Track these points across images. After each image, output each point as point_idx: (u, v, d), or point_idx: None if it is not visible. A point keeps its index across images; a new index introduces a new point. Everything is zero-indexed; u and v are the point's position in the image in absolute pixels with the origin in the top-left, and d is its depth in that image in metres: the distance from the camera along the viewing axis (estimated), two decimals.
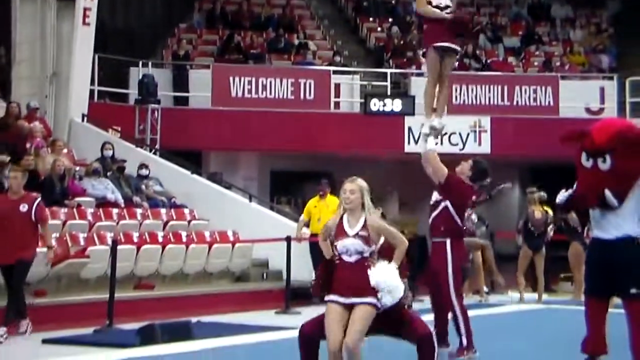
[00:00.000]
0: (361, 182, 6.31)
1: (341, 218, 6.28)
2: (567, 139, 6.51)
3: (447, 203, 8.50)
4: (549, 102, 20.18)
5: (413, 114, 19.30)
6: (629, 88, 20.29)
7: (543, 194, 16.03)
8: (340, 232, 6.20)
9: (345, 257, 6.15)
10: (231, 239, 14.62)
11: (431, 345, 6.21)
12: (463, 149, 18.88)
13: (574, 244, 14.61)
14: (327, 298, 6.18)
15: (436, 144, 8.60)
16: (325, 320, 6.08)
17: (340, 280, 6.14)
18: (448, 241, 8.42)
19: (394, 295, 6.10)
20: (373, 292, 6.07)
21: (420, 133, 8.65)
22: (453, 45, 8.56)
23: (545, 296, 15.58)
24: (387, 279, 6.06)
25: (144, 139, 17.78)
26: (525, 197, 16.99)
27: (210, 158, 20.45)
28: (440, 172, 8.41)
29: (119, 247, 11.71)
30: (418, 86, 20.21)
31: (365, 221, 6.20)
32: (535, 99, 20.20)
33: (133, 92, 18.44)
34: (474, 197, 9.52)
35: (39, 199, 10.59)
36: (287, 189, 21.54)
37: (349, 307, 6.07)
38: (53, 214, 12.78)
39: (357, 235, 6.14)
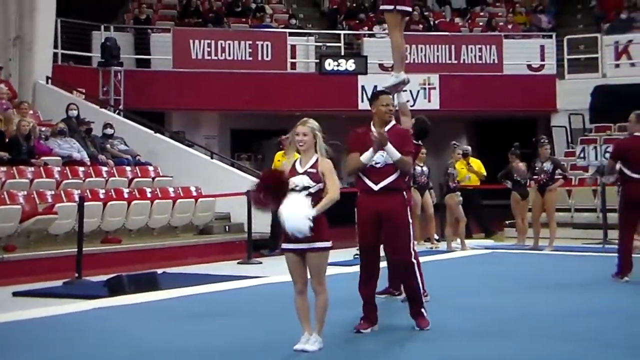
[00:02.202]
0: (312, 123, 6.17)
1: (295, 160, 6.20)
2: None
3: None
4: (494, 60, 20.22)
5: (366, 73, 19.31)
6: (566, 46, 20.37)
7: (467, 147, 16.16)
8: (292, 171, 6.12)
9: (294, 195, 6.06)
10: (194, 194, 14.52)
11: None
12: (413, 105, 18.73)
13: (514, 193, 14.70)
14: (282, 246, 6.17)
15: (399, 97, 8.56)
16: (288, 268, 6.16)
17: None
18: None
19: (300, 227, 5.90)
20: (323, 234, 6.02)
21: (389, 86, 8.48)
22: (410, 9, 8.65)
23: (491, 241, 15.75)
24: (294, 209, 5.91)
25: (108, 100, 17.52)
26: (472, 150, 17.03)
27: (173, 118, 20.27)
28: (405, 125, 8.34)
29: (85, 203, 11.51)
30: (370, 47, 20.27)
31: (316, 160, 6.11)
32: (480, 57, 20.22)
33: (96, 55, 18.11)
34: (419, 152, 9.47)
35: None
36: (246, 146, 21.43)
37: (303, 252, 6.07)
38: (20, 172, 12.56)
39: (305, 172, 6.07)
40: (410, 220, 7.00)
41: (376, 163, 6.83)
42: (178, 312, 8.23)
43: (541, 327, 7.16)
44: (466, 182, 16.07)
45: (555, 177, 13.75)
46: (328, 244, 6.08)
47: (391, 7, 8.42)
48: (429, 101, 19.27)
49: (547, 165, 13.71)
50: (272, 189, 5.99)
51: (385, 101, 7.05)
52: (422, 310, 7.06)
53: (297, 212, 5.90)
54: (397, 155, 6.78)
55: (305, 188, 6.01)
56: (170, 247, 13.25)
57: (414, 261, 7.12)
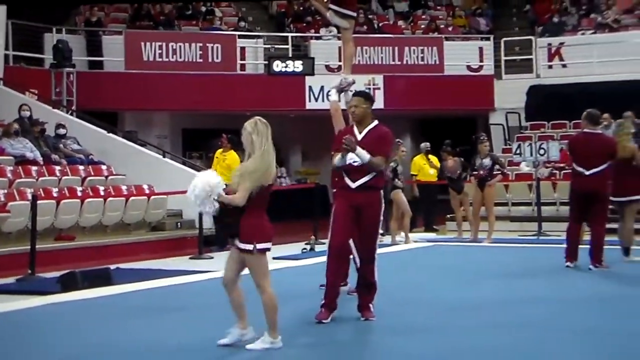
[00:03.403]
0: (250, 125, 5.93)
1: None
2: None
3: None
4: (435, 61, 20.31)
5: (313, 74, 19.27)
6: (503, 47, 20.55)
7: (427, 144, 16.32)
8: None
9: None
10: (147, 192, 14.34)
11: None
12: None
13: (451, 189, 14.81)
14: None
15: (346, 97, 8.57)
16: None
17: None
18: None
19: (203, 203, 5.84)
20: (245, 235, 5.83)
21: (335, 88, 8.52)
22: (354, 13, 8.72)
23: (433, 235, 15.85)
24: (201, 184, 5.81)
25: (61, 101, 17.19)
26: (416, 147, 17.16)
27: (125, 118, 20.00)
28: (337, 124, 8.35)
29: (39, 201, 11.31)
30: (317, 48, 20.24)
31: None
32: (422, 59, 20.30)
33: (48, 57, 17.76)
34: None
35: None
36: (197, 145, 21.25)
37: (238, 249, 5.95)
38: None
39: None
40: (381, 218, 7.11)
41: (354, 162, 6.88)
42: (131, 307, 8.12)
43: (484, 317, 7.18)
44: (428, 177, 16.18)
45: (494, 172, 13.88)
46: (249, 246, 5.82)
47: (354, 13, 8.58)
48: (374, 101, 19.27)
49: (486, 162, 13.84)
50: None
51: (352, 102, 7.20)
52: (371, 304, 7.11)
53: (202, 180, 5.79)
54: (366, 158, 6.80)
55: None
56: (124, 243, 13.10)
57: (376, 257, 7.14)
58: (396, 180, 13.91)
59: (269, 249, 5.92)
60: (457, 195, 14.72)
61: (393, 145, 7.20)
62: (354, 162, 6.87)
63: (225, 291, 5.97)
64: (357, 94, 7.35)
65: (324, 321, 6.85)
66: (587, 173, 10.01)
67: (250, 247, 5.82)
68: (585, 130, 10.46)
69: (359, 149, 6.79)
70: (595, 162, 9.97)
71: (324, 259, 7.18)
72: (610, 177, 10.16)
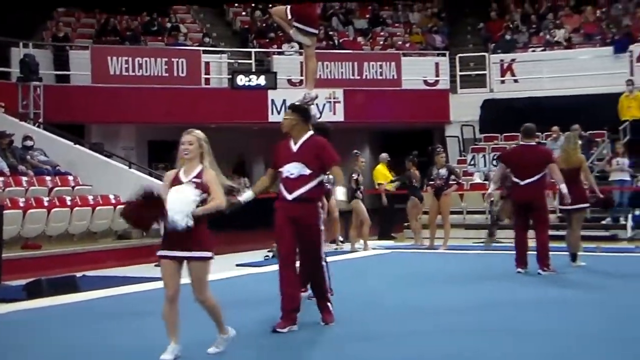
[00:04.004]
0: (198, 133, 5.80)
1: (179, 170, 5.78)
2: None
3: None
4: (393, 76, 20.47)
5: (275, 88, 19.35)
6: (458, 63, 20.79)
7: (385, 155, 16.44)
8: (176, 181, 5.71)
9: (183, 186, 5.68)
10: (113, 201, 14.26)
11: None
12: (320, 117, 18.81)
13: (412, 197, 14.92)
14: (159, 253, 5.74)
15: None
16: (162, 274, 5.75)
17: (168, 231, 5.64)
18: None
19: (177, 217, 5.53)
20: (204, 243, 5.67)
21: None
22: (317, 31, 8.73)
23: (391, 242, 15.92)
24: (180, 201, 5.55)
25: (28, 114, 17.01)
26: (375, 158, 17.27)
27: (92, 130, 19.84)
28: None
29: (5, 211, 11.18)
30: (279, 63, 20.30)
31: (201, 170, 5.71)
32: (381, 73, 20.45)
33: (15, 70, 17.57)
34: None
35: None
36: (163, 157, 21.08)
37: (181, 259, 5.68)
38: None
39: (190, 182, 5.65)
40: (322, 227, 6.98)
41: (291, 174, 6.84)
42: (97, 313, 8.06)
43: (441, 322, 7.19)
44: (389, 186, 16.28)
45: (450, 182, 14.02)
46: (209, 254, 5.68)
47: (317, 30, 8.62)
48: (334, 114, 19.38)
49: (443, 172, 13.97)
50: (147, 206, 5.56)
51: (285, 115, 7.13)
52: (329, 304, 7.10)
53: (181, 199, 5.54)
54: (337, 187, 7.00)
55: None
56: (90, 251, 13.02)
57: (324, 263, 7.13)
58: (355, 189, 13.99)
59: None
60: (419, 203, 14.88)
61: (333, 149, 7.03)
62: (291, 174, 6.82)
63: (169, 306, 5.68)
64: (289, 106, 7.28)
65: (279, 330, 6.72)
66: (522, 183, 10.23)
67: (210, 254, 5.71)
68: (521, 143, 10.70)
69: (338, 194, 6.96)
70: (530, 173, 10.19)
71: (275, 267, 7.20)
72: (545, 186, 10.37)
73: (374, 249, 14.24)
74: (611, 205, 13.82)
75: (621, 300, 8.39)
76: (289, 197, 6.83)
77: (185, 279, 5.79)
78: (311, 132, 7.05)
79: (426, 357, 5.99)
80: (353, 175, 14.15)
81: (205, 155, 5.79)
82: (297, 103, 8.61)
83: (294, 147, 6.92)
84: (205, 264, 5.70)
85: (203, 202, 5.64)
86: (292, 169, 6.82)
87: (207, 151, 5.81)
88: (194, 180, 5.68)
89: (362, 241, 14.18)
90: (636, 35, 20.14)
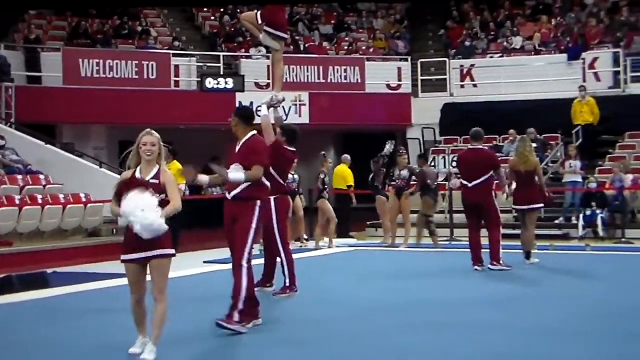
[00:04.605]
0: (157, 135, 5.71)
1: (135, 170, 5.66)
2: None
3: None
4: (357, 80, 20.55)
5: (243, 90, 19.32)
6: (420, 68, 20.92)
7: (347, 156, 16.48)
8: (132, 181, 5.60)
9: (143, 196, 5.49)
10: (84, 200, 14.16)
11: None
12: (286, 119, 18.86)
13: (379, 197, 14.98)
14: (123, 258, 5.62)
15: (276, 113, 8.67)
16: (128, 279, 5.68)
17: (129, 233, 5.51)
18: (273, 198, 8.48)
19: (146, 224, 5.38)
20: (165, 242, 5.54)
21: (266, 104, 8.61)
22: (286, 35, 8.85)
23: (354, 240, 15.98)
24: (141, 207, 5.37)
25: (0, 114, 16.81)
26: (339, 159, 17.31)
27: (64, 130, 19.65)
28: (268, 137, 8.44)
29: None
30: (247, 67, 20.28)
31: (158, 171, 5.63)
32: (345, 77, 20.52)
33: None
34: (295, 159, 9.37)
35: None
36: None
37: (145, 260, 5.59)
38: None
39: (149, 182, 5.56)
40: (254, 227, 6.70)
41: (230, 173, 6.79)
42: (67, 309, 8.00)
43: (401, 318, 7.22)
44: (344, 186, 16.31)
45: (411, 183, 14.12)
46: (171, 251, 5.61)
47: (286, 35, 8.66)
48: (300, 116, 19.41)
49: (405, 173, 14.07)
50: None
51: (231, 118, 7.00)
52: (234, 312, 6.62)
53: (153, 215, 5.37)
54: (242, 177, 6.66)
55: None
56: (61, 249, 12.92)
57: (245, 265, 6.71)
58: (325, 191, 14.07)
59: None
60: (385, 202, 14.94)
61: (266, 154, 6.93)
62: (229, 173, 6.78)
63: (138, 307, 5.65)
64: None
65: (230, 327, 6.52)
66: (470, 185, 10.38)
67: (172, 251, 5.65)
68: (470, 146, 10.85)
69: (231, 174, 6.65)
70: (477, 175, 10.34)
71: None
72: (492, 187, 10.52)
73: (338, 247, 14.29)
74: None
75: (574, 296, 8.53)
76: (229, 196, 6.87)
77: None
78: (252, 133, 6.93)
79: (385, 352, 6.02)
80: (320, 175, 14.21)
81: (161, 156, 5.72)
82: (263, 104, 8.69)
83: (237, 148, 6.91)
84: (168, 262, 5.63)
85: (161, 202, 5.51)
86: (232, 169, 6.79)
87: (163, 152, 5.75)
88: (152, 181, 5.58)
89: (326, 239, 14.23)
90: (589, 44, 20.45)
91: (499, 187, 11.20)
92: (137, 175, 5.63)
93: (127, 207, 5.38)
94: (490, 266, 10.30)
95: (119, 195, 5.54)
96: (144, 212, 5.36)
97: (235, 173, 6.71)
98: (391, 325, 6.90)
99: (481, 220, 10.60)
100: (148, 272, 5.66)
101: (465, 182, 10.49)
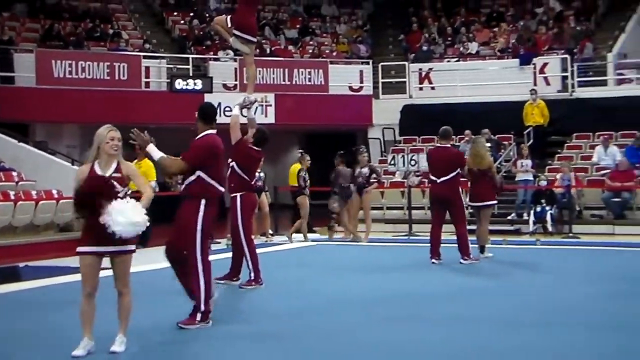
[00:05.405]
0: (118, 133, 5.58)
1: (92, 165, 5.53)
2: None
3: (234, 164, 8.60)
4: (321, 82, 20.55)
5: (211, 91, 19.21)
6: (381, 71, 20.98)
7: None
8: (92, 175, 5.48)
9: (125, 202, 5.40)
10: (55, 196, 13.98)
11: None
12: (254, 119, 18.84)
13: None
14: (82, 249, 5.48)
15: (248, 113, 8.65)
16: (81, 271, 5.54)
17: (94, 227, 5.37)
18: (239, 195, 8.50)
19: (131, 228, 5.31)
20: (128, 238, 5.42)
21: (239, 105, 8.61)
22: (255, 39, 8.88)
23: (317, 235, 15.96)
24: (126, 212, 5.28)
25: None
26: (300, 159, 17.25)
27: (37, 129, 19.38)
28: (234, 136, 8.48)
29: None
30: (215, 69, 20.18)
31: (118, 164, 5.53)
32: (309, 80, 20.50)
33: None
34: (261, 158, 9.34)
35: None
36: None
37: (102, 255, 5.50)
38: None
39: (111, 177, 5.45)
40: (199, 228, 6.42)
41: None
42: (38, 302, 7.89)
43: (369, 310, 7.22)
44: None
45: (371, 180, 14.16)
46: (132, 247, 5.53)
47: (255, 39, 8.65)
48: (266, 116, 19.34)
49: (365, 171, 14.11)
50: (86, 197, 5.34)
51: None
52: (197, 314, 6.47)
53: (131, 217, 5.28)
54: (157, 156, 6.39)
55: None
56: (33, 243, 12.75)
57: (199, 266, 6.45)
58: (305, 188, 14.10)
59: None
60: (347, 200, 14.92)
61: (199, 152, 6.55)
62: None
63: (87, 302, 5.50)
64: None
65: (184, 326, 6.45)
66: (438, 181, 10.45)
67: (133, 247, 5.56)
68: (438, 145, 10.92)
69: (150, 146, 6.35)
70: (446, 172, 10.41)
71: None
72: (459, 184, 10.60)
73: (299, 241, 14.27)
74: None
75: (526, 287, 8.63)
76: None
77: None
78: (205, 133, 6.68)
79: (352, 345, 6.01)
80: (300, 173, 14.22)
81: (119, 151, 5.59)
82: (235, 104, 8.68)
83: None
84: (129, 257, 5.55)
85: (126, 195, 5.46)
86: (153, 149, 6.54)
87: (121, 147, 5.64)
88: (115, 174, 5.49)
89: (290, 233, 14.20)
90: (539, 49, 20.70)
91: (465, 183, 11.29)
92: (97, 170, 5.50)
93: (119, 225, 5.24)
94: (462, 260, 10.37)
95: (84, 196, 5.36)
96: (133, 220, 5.26)
97: (154, 151, 6.35)
98: (357, 318, 6.90)
99: (445, 216, 10.64)
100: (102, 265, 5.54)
101: (434, 178, 10.52)
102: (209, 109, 7.05)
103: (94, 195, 5.32)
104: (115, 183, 5.44)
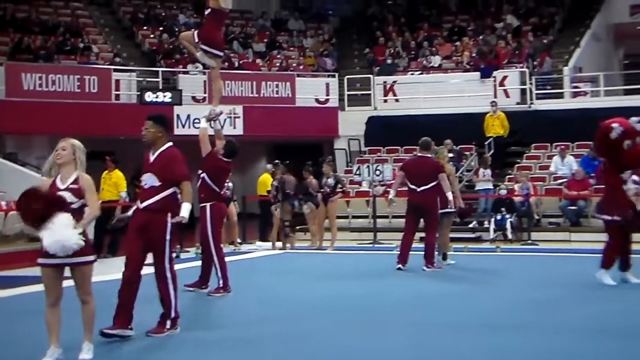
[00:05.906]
0: (74, 141, 5.60)
1: (56, 177, 5.54)
2: None
3: (204, 175, 8.62)
4: (288, 94, 20.57)
5: (180, 104, 19.16)
6: (346, 84, 21.09)
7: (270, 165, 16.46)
8: (53, 187, 5.46)
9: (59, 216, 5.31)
10: None
11: None
12: (221, 130, 18.80)
13: (309, 203, 14.97)
14: (41, 261, 5.39)
15: (214, 125, 8.74)
16: (43, 282, 5.46)
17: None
18: (208, 205, 8.51)
19: (58, 245, 5.25)
20: (85, 249, 5.38)
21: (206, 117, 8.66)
22: (222, 53, 9.02)
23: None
24: (57, 228, 5.23)
25: None
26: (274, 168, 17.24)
27: (6, 140, 19.13)
28: (204, 148, 8.52)
29: None
30: (184, 82, 20.13)
31: (77, 177, 5.50)
32: (277, 92, 20.52)
33: None
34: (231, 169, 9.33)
35: None
36: None
37: (62, 266, 5.41)
38: None
39: (67, 188, 5.43)
40: (168, 238, 6.34)
41: (145, 184, 6.49)
42: (8, 310, 7.79)
43: (338, 317, 7.19)
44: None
45: (337, 190, 14.21)
46: (91, 257, 5.47)
47: (222, 53, 8.66)
48: (234, 128, 19.31)
49: (330, 181, 14.16)
50: (34, 210, 5.24)
51: (144, 125, 6.49)
52: (167, 321, 6.45)
53: (63, 233, 5.22)
54: (188, 207, 6.39)
55: (69, 204, 5.38)
56: (2, 253, 12.52)
57: (169, 275, 6.42)
58: (278, 196, 14.12)
59: None
60: (315, 209, 14.92)
61: (185, 164, 6.43)
62: (145, 184, 6.47)
63: (51, 312, 5.43)
64: (149, 117, 6.55)
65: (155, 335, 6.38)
66: (418, 190, 10.50)
67: (92, 258, 5.50)
68: (418, 154, 10.98)
69: (183, 210, 6.30)
70: (425, 181, 10.47)
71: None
72: (437, 193, 10.67)
73: (266, 249, 14.25)
74: (466, 216, 14.43)
75: (489, 292, 8.71)
76: (141, 205, 6.45)
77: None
78: (169, 144, 6.50)
79: (321, 351, 6.01)
80: (274, 183, 14.23)
81: (78, 163, 5.55)
82: (202, 117, 8.70)
83: (151, 158, 6.48)
84: (89, 268, 5.49)
85: (81, 207, 5.45)
86: (146, 180, 6.44)
87: (81, 160, 5.57)
88: (72, 186, 5.47)
89: (258, 242, 14.22)
90: (499, 63, 20.97)
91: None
92: (57, 181, 5.51)
93: (50, 233, 5.19)
94: (425, 267, 10.42)
95: (31, 209, 5.27)
96: (61, 234, 5.19)
97: (185, 210, 6.33)
98: (325, 325, 6.86)
99: (419, 225, 10.71)
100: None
101: (413, 187, 10.54)
102: (168, 119, 6.98)
103: (39, 209, 5.24)
104: (69, 194, 5.41)
